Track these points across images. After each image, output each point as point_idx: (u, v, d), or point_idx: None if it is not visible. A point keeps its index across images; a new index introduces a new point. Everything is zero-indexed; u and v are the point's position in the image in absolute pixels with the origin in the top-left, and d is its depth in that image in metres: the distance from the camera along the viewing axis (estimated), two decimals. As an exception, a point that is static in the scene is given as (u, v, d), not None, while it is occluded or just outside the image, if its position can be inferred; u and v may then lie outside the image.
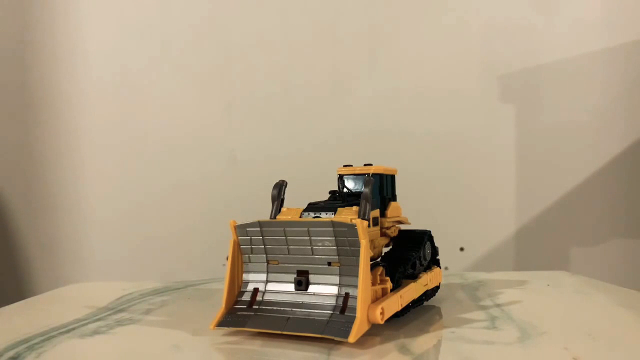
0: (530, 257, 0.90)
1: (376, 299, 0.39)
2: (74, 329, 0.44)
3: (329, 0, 0.92)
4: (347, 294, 0.38)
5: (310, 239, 0.39)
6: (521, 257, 0.90)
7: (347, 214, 0.40)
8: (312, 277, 0.39)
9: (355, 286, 0.37)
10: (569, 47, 0.89)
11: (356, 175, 0.47)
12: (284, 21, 0.93)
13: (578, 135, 0.89)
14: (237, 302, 0.41)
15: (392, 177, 0.49)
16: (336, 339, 0.36)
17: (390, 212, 0.46)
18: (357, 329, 0.35)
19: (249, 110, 0.93)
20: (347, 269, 0.38)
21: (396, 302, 0.41)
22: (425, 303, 0.49)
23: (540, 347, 0.36)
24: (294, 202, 0.44)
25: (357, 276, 0.36)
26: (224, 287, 0.41)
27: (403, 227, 0.49)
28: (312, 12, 0.92)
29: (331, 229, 0.38)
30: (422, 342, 0.38)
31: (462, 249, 0.91)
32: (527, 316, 0.44)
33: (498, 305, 0.48)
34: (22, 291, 0.94)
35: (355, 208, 0.40)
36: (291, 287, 0.40)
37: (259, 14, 0.93)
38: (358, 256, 0.37)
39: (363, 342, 0.37)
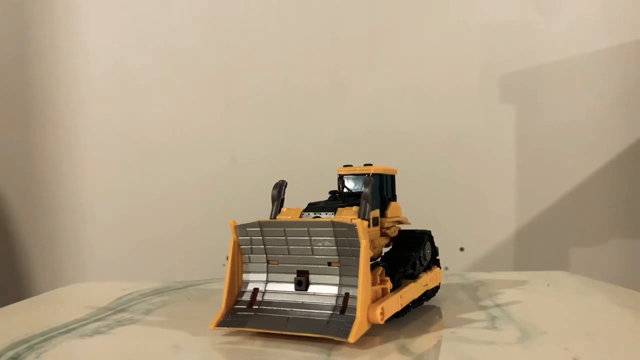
0: (530, 257, 0.90)
1: (376, 299, 0.39)
2: (74, 329, 0.44)
3: (329, 0, 0.92)
4: (347, 294, 0.38)
5: (310, 239, 0.39)
6: (521, 257, 0.90)
7: (347, 214, 0.40)
8: (312, 277, 0.39)
9: (355, 286, 0.37)
10: (569, 47, 0.89)
11: (356, 175, 0.47)
12: (284, 21, 0.93)
13: (578, 135, 0.89)
14: (237, 302, 0.41)
15: (392, 177, 0.49)
16: (336, 339, 0.36)
17: (390, 212, 0.46)
18: (357, 329, 0.35)
19: (249, 110, 0.93)
20: (347, 269, 0.38)
21: (396, 302, 0.41)
22: (425, 303, 0.49)
23: (540, 347, 0.36)
24: (294, 202, 0.44)
25: (357, 276, 0.36)
26: (224, 287, 0.41)
27: (403, 227, 0.49)
28: (312, 13, 0.92)
29: (331, 229, 0.38)
30: (422, 342, 0.38)
31: (462, 249, 0.91)
32: (527, 316, 0.44)
33: (498, 305, 0.48)
34: (22, 291, 0.94)
35: (355, 208, 0.40)
36: (291, 287, 0.40)
37: (259, 13, 0.93)
38: (358, 256, 0.37)
39: (363, 342, 0.37)
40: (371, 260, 0.41)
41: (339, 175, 0.48)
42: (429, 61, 0.91)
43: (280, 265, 0.41)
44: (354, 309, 0.36)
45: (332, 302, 0.38)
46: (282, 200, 0.44)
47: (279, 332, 0.38)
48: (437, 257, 0.51)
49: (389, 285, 0.41)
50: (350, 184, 0.47)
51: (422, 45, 0.91)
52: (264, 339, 0.39)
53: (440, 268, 0.52)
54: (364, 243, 0.36)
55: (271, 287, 0.41)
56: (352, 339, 0.35)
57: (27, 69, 0.95)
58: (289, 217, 0.42)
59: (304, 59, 0.93)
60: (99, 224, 0.95)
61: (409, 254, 0.45)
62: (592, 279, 0.62)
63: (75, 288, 0.67)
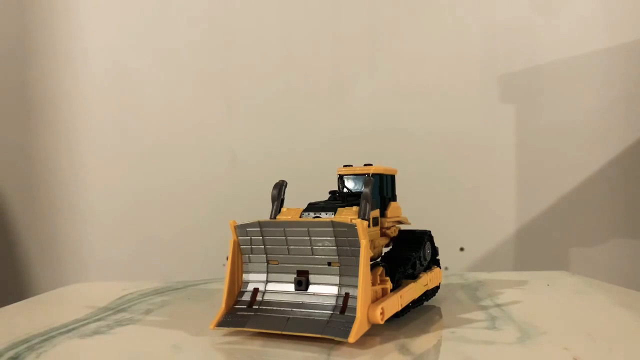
0: (530, 257, 0.90)
1: (376, 299, 0.39)
2: (74, 329, 0.44)
3: (329, 0, 0.92)
4: (347, 294, 0.38)
5: (310, 239, 0.39)
6: (521, 257, 0.90)
7: (347, 214, 0.40)
8: (312, 277, 0.39)
9: (355, 286, 0.37)
10: (569, 47, 0.89)
11: (356, 175, 0.47)
12: (284, 21, 0.93)
13: (578, 135, 0.89)
14: (237, 302, 0.41)
15: (392, 177, 0.49)
16: (336, 339, 0.36)
17: (390, 212, 0.46)
18: (357, 329, 0.35)
19: (249, 110, 0.93)
20: (347, 269, 0.38)
21: (396, 302, 0.41)
22: (425, 303, 0.49)
23: (540, 347, 0.36)
24: (294, 202, 0.44)
25: (357, 276, 0.36)
26: (224, 287, 0.41)
27: (403, 227, 0.49)
28: (312, 12, 0.92)
29: (331, 229, 0.38)
30: (422, 342, 0.38)
31: (462, 249, 0.91)
32: (527, 316, 0.44)
33: (498, 305, 0.48)
34: (22, 291, 0.94)
35: (355, 208, 0.40)
36: (291, 287, 0.40)
37: (259, 13, 0.93)
38: (358, 256, 0.37)
39: (363, 342, 0.37)
40: (371, 260, 0.41)
41: (339, 175, 0.48)
42: (429, 61, 0.91)
43: (280, 265, 0.41)
44: (354, 309, 0.36)
45: (332, 302, 0.38)
46: (282, 200, 0.44)
47: (279, 332, 0.38)
48: (437, 257, 0.51)
49: (389, 285, 0.41)
50: (350, 184, 0.47)
51: (422, 44, 0.91)
52: (264, 339, 0.39)
53: (440, 268, 0.52)
54: (364, 243, 0.36)
55: (271, 287, 0.41)
56: (352, 339, 0.35)
57: (26, 68, 0.95)
58: (289, 217, 0.42)
59: (304, 59, 0.93)
60: (99, 224, 0.95)
61: (409, 254, 0.45)
62: (592, 279, 0.62)
63: (75, 288, 0.67)
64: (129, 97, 0.94)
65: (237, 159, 0.93)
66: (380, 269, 0.41)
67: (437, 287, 0.51)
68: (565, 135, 0.89)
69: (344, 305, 0.37)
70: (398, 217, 0.48)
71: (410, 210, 0.51)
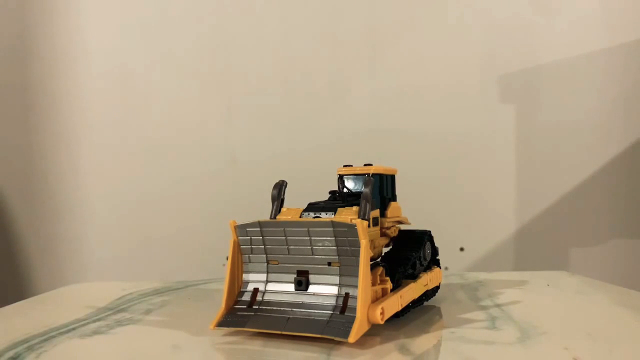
0: (530, 257, 0.90)
1: (376, 299, 0.39)
2: (74, 329, 0.44)
3: (329, 0, 0.92)
4: (347, 294, 0.38)
5: (310, 239, 0.39)
6: (521, 257, 0.90)
7: (347, 214, 0.40)
8: (312, 277, 0.39)
9: (355, 286, 0.37)
10: (569, 48, 0.89)
11: (356, 175, 0.47)
12: (284, 21, 0.93)
13: (578, 135, 0.89)
14: (237, 302, 0.41)
15: (392, 177, 0.49)
16: (336, 339, 0.36)
17: (390, 212, 0.46)
18: (357, 329, 0.35)
19: (249, 110, 0.93)
20: (347, 269, 0.38)
21: (396, 302, 0.41)
22: (425, 303, 0.49)
23: (540, 347, 0.36)
24: (294, 202, 0.44)
25: (357, 276, 0.36)
26: (224, 287, 0.41)
27: (403, 227, 0.49)
28: (312, 12, 0.92)
29: (331, 229, 0.38)
30: (422, 342, 0.38)
31: (462, 249, 0.91)
32: (527, 316, 0.44)
33: (498, 305, 0.48)
34: (22, 291, 0.94)
35: (355, 208, 0.40)
36: (291, 287, 0.40)
37: (259, 13, 0.93)
38: (358, 256, 0.37)
39: (363, 342, 0.37)
40: (371, 260, 0.41)
41: (339, 175, 0.48)
42: (429, 61, 0.91)
43: (280, 265, 0.41)
44: (354, 309, 0.36)
45: (332, 302, 0.38)
46: (282, 200, 0.44)
47: (279, 332, 0.38)
48: (437, 257, 0.51)
49: (389, 285, 0.41)
50: (350, 184, 0.47)
51: (422, 45, 0.91)
52: (264, 339, 0.39)
53: (440, 268, 0.52)
54: (364, 243, 0.36)
55: (271, 287, 0.41)
56: (352, 339, 0.35)
57: (27, 68, 0.95)
58: (289, 217, 0.42)
59: (304, 59, 0.93)
60: (99, 224, 0.95)
61: (409, 254, 0.45)
62: (592, 279, 0.62)
63: (75, 288, 0.67)
64: (129, 98, 0.94)
65: (237, 159, 0.93)
66: (380, 269, 0.41)
67: (437, 287, 0.51)
68: (565, 135, 0.89)
69: (344, 305, 0.37)
70: (398, 217, 0.48)
71: (410, 210, 0.51)
